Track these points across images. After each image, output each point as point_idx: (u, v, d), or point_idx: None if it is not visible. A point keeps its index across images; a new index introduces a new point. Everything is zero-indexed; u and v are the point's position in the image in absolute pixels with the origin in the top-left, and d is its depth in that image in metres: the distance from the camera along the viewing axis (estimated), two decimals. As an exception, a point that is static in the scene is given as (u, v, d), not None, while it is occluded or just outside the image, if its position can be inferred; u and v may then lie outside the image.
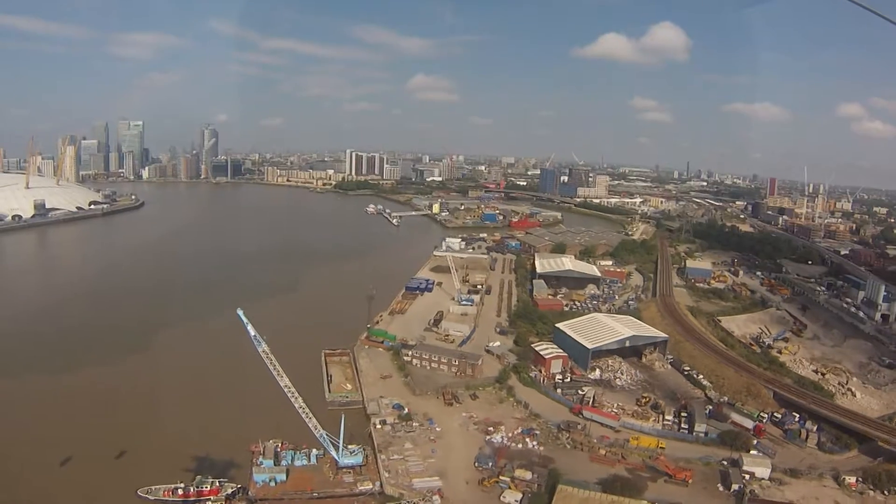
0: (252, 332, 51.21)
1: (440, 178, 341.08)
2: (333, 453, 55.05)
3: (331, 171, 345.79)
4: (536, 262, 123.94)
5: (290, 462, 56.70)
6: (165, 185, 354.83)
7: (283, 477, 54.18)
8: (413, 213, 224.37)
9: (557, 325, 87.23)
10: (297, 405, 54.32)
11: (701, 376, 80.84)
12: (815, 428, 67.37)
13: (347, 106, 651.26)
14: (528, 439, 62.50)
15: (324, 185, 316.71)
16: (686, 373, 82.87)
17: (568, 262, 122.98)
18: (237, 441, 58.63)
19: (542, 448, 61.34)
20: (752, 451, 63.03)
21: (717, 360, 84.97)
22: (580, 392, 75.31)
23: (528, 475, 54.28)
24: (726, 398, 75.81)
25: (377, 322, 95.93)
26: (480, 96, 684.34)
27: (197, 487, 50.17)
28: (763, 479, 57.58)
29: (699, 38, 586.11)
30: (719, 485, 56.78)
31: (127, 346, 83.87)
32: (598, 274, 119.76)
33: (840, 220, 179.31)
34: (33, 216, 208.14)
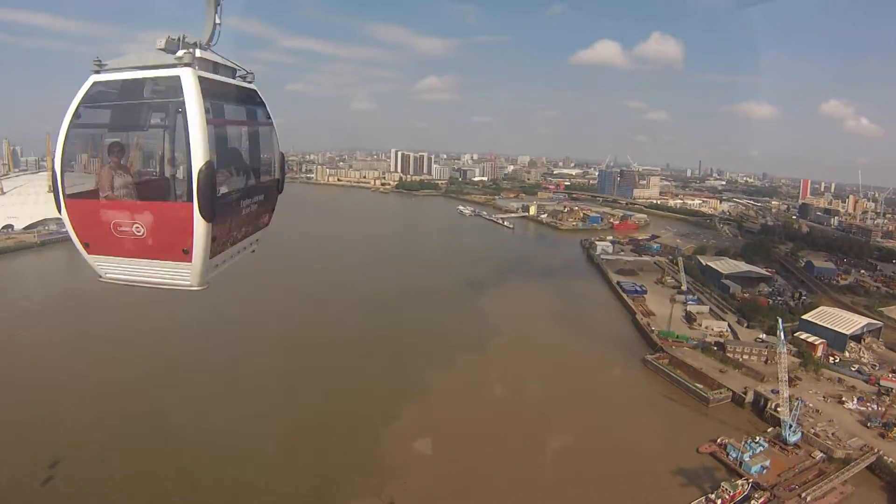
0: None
1: (485, 178, 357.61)
2: (787, 434, 72.64)
3: (378, 171, 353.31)
4: (710, 264, 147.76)
5: (753, 451, 66.91)
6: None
7: (768, 462, 65.05)
8: (511, 215, 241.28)
9: (803, 316, 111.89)
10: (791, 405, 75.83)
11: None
12: None
13: (356, 104, 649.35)
14: (868, 403, 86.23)
15: (383, 185, 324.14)
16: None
17: (741, 264, 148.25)
18: (681, 449, 68.59)
19: (883, 409, 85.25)
20: None
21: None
22: (852, 369, 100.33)
23: (913, 424, 77.94)
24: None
25: (649, 324, 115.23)
26: (485, 95, 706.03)
27: (730, 492, 58.03)
28: None
29: (695, 43, 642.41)
30: None
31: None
32: (769, 273, 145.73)
33: (888, 220, 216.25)
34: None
